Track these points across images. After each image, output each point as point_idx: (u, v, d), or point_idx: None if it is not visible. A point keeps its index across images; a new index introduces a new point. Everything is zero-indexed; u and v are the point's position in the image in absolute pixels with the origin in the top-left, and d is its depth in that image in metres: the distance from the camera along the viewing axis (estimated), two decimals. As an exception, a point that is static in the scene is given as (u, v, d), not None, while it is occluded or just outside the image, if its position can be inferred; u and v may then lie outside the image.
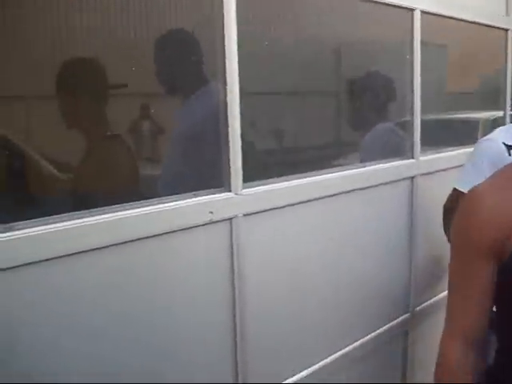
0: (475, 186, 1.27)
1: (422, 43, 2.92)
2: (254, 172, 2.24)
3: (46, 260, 1.64)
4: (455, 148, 3.31)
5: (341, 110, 3.24)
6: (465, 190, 2.39)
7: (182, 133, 2.51)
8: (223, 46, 2.05)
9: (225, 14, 2.03)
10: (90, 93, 2.23)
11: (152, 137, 3.07)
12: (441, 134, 3.57)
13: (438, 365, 1.28)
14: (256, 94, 2.39)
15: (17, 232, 1.59)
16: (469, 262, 1.21)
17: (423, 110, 3.02)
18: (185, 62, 2.48)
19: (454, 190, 2.57)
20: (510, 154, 2.29)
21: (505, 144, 2.34)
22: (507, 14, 3.23)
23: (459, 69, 3.95)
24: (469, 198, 1.26)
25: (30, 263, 1.61)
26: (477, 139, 4.85)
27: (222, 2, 2.02)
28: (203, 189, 2.10)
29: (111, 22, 2.28)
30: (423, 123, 3.04)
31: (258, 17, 2.33)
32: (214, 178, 2.16)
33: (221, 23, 2.04)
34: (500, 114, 4.28)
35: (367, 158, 2.95)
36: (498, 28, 3.49)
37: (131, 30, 2.38)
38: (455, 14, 3.15)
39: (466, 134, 4.50)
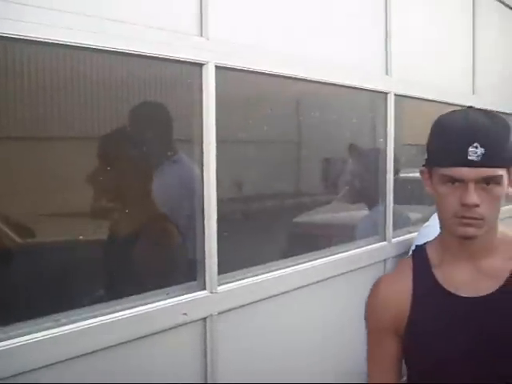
0: (382, 275, 1.50)
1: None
2: (228, 262, 2.11)
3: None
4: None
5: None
6: None
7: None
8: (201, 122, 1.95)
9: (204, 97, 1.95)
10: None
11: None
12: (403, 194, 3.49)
13: None
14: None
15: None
16: (376, 337, 1.41)
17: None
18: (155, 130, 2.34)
19: None
20: None
21: None
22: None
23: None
24: (373, 285, 1.46)
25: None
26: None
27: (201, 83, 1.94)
28: (174, 283, 1.97)
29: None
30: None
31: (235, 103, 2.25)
32: (186, 271, 2.04)
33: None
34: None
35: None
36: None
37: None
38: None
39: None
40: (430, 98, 3.23)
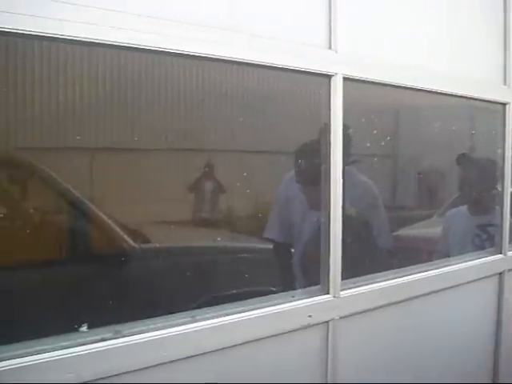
0: None
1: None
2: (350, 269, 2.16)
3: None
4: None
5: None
6: None
7: None
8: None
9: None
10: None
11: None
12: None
13: None
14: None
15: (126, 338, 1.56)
16: None
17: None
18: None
19: None
20: None
21: None
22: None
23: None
24: None
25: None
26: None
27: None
28: (299, 287, 2.04)
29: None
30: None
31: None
32: (311, 277, 2.10)
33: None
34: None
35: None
36: None
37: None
38: None
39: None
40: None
